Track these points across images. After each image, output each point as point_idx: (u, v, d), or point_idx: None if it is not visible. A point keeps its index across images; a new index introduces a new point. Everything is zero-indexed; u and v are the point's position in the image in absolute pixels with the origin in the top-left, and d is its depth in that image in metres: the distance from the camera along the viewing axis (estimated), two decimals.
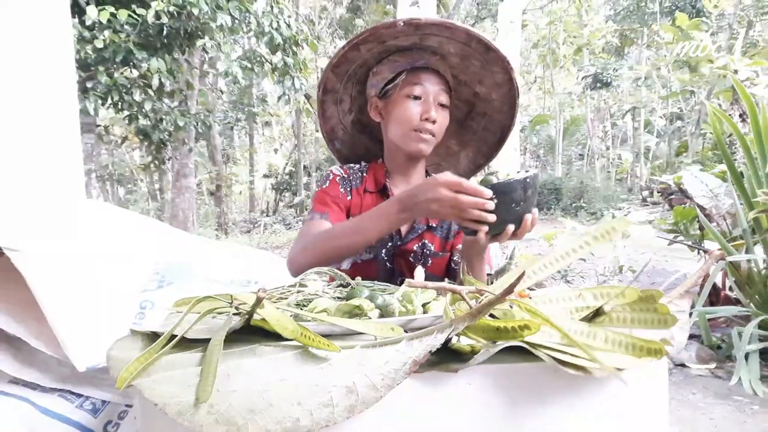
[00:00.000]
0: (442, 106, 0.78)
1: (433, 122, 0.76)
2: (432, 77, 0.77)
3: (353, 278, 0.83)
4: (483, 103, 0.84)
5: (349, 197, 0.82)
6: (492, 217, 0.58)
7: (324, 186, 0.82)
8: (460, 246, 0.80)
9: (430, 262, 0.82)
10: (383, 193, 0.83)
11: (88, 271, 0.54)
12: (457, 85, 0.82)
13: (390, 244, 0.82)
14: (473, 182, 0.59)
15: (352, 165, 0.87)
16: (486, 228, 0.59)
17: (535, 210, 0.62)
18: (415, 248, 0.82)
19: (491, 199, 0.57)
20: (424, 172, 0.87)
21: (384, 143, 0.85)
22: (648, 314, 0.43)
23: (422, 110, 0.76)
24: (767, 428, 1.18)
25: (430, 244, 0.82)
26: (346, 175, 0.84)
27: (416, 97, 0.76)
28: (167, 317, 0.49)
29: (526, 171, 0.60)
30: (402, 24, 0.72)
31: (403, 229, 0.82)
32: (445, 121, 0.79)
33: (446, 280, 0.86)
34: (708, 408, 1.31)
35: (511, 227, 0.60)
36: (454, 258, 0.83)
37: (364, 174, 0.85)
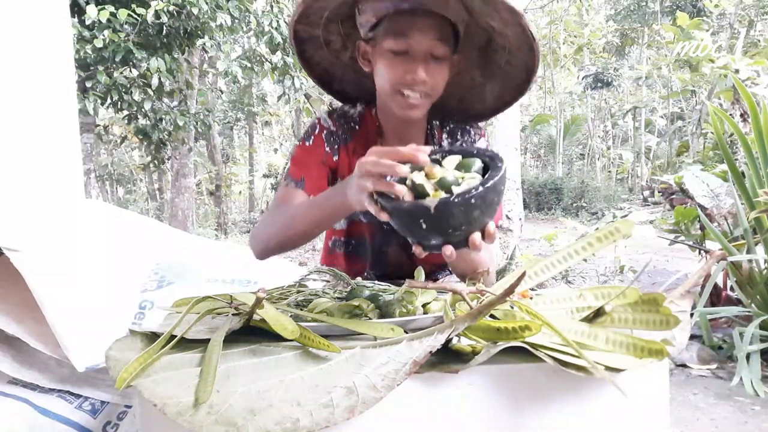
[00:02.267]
0: (437, 58, 0.63)
1: (424, 82, 0.62)
2: (422, 21, 0.62)
3: (348, 236, 0.74)
4: (500, 37, 0.68)
5: (335, 156, 0.71)
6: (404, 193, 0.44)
7: (307, 142, 0.71)
8: None
9: None
10: None
11: (88, 271, 0.54)
12: (471, 13, 0.66)
13: None
14: (400, 187, 0.45)
15: (346, 110, 0.74)
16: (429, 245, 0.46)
17: (491, 226, 0.47)
18: None
19: (421, 219, 0.43)
20: (423, 126, 0.73)
21: (376, 95, 0.71)
22: (650, 315, 0.43)
23: (406, 70, 0.62)
24: None
25: None
26: (335, 128, 0.72)
27: (401, 52, 0.62)
28: (166, 317, 0.49)
29: (493, 164, 0.46)
30: None
31: None
32: (441, 75, 0.64)
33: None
34: (709, 408, 1.31)
35: (476, 235, 0.46)
36: None
37: (357, 127, 0.73)
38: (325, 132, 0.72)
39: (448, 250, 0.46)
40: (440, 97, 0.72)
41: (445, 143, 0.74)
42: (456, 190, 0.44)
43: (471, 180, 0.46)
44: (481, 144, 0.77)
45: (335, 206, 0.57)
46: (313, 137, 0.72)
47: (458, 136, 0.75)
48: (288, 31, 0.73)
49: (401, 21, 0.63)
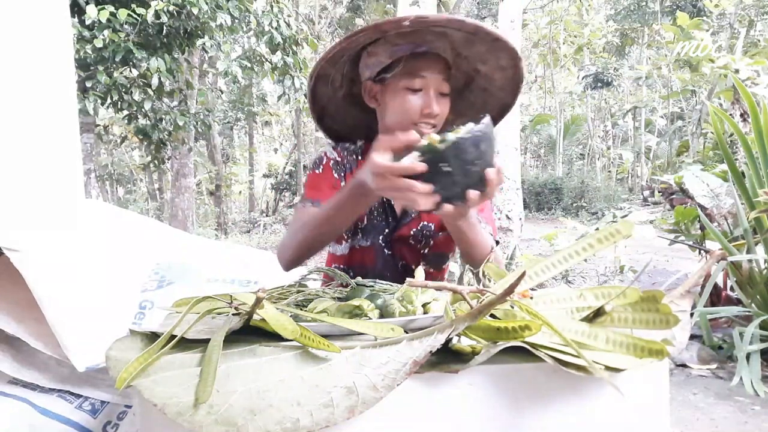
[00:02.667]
0: (443, 94, 0.74)
1: (436, 116, 0.73)
2: (432, 64, 0.72)
3: (350, 263, 0.81)
4: (484, 79, 0.79)
5: (343, 183, 0.79)
6: (428, 188, 0.50)
7: (317, 171, 0.79)
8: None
9: (432, 242, 0.80)
10: None
11: (88, 271, 0.54)
12: (456, 58, 0.77)
13: (386, 230, 0.80)
14: (407, 159, 0.51)
15: (346, 146, 0.83)
16: (436, 198, 0.51)
17: (497, 162, 0.54)
18: (413, 232, 0.79)
19: (441, 166, 0.49)
20: None
21: (379, 127, 0.80)
22: (650, 314, 0.42)
23: (423, 105, 0.72)
24: None
25: (429, 224, 0.80)
26: (339, 159, 0.80)
27: (417, 90, 0.72)
28: (167, 317, 0.49)
29: (475, 122, 0.52)
30: (408, 24, 0.68)
31: (398, 211, 0.80)
32: (446, 109, 0.75)
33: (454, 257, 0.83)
34: (709, 408, 1.31)
35: (473, 192, 0.52)
36: None
37: (359, 157, 0.81)
38: (332, 162, 0.79)
39: (473, 194, 0.52)
40: None
41: None
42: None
43: (459, 131, 0.52)
44: None
45: (357, 198, 0.61)
46: (321, 167, 0.79)
47: None
48: (312, 68, 0.79)
49: (418, 62, 0.72)
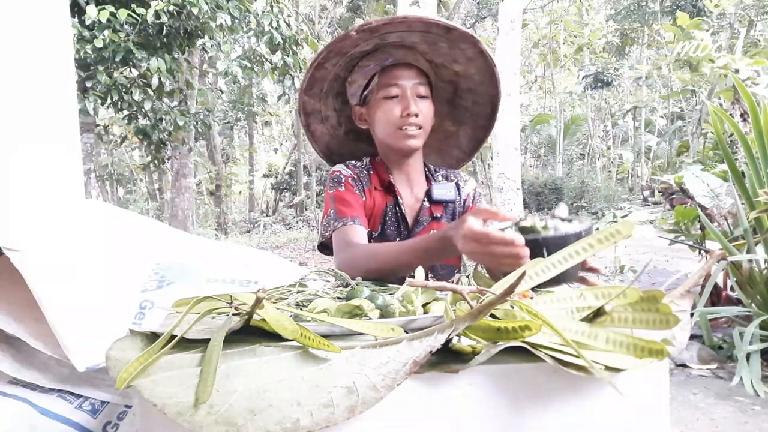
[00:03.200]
0: (422, 97, 0.78)
1: (416, 116, 0.76)
2: (405, 72, 0.77)
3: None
4: (465, 80, 0.82)
5: (363, 198, 0.82)
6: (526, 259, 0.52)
7: (340, 188, 0.81)
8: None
9: None
10: (389, 189, 0.83)
11: (88, 271, 0.54)
12: (435, 68, 0.82)
13: (398, 239, 0.82)
14: (508, 232, 0.53)
15: (354, 163, 0.87)
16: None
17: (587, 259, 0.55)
18: None
19: (538, 250, 0.51)
20: (421, 165, 0.86)
21: (376, 145, 0.85)
22: (650, 314, 0.42)
23: (402, 107, 0.76)
24: None
25: None
26: (355, 176, 0.83)
27: (394, 97, 0.77)
28: (167, 317, 0.49)
29: (576, 220, 0.56)
30: (355, 33, 0.73)
31: (410, 221, 0.83)
32: (429, 110, 0.78)
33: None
34: (709, 408, 1.31)
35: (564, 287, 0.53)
36: None
37: (370, 172, 0.85)
38: (350, 179, 0.82)
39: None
40: (424, 150, 0.87)
41: (441, 179, 0.87)
42: (564, 229, 0.55)
43: (562, 224, 0.56)
44: (470, 185, 0.88)
45: (440, 252, 0.64)
46: (342, 184, 0.81)
47: (451, 177, 0.87)
48: (297, 103, 0.85)
49: (389, 73, 0.77)
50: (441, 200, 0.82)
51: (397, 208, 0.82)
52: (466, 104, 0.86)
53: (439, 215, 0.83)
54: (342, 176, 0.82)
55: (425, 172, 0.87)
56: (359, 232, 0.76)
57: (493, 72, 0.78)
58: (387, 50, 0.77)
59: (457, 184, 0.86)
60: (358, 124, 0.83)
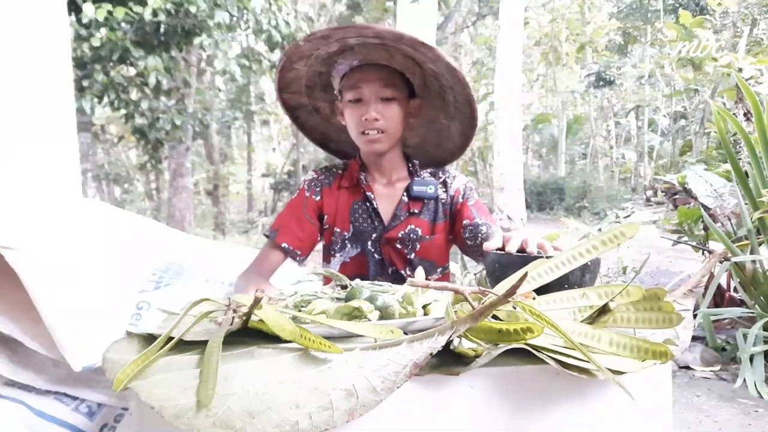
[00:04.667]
0: (387, 99, 0.76)
1: (376, 120, 0.76)
2: (370, 74, 0.76)
3: (345, 275, 0.83)
4: (443, 79, 0.81)
5: (318, 197, 0.83)
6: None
7: (293, 197, 0.84)
8: (474, 221, 0.79)
9: (418, 246, 0.82)
10: (357, 187, 0.84)
11: (85, 271, 0.53)
12: (419, 66, 0.79)
13: (375, 234, 0.82)
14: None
15: (329, 165, 0.89)
16: None
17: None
18: (400, 235, 0.82)
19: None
20: (400, 161, 0.85)
21: None
22: (652, 313, 0.42)
23: (361, 112, 0.76)
24: None
25: (417, 229, 0.82)
26: (316, 176, 0.85)
27: (357, 100, 0.77)
28: (164, 319, 0.49)
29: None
30: (302, 42, 0.73)
31: (386, 217, 0.83)
32: (393, 113, 0.77)
33: (443, 266, 0.86)
34: (712, 410, 1.30)
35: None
36: (466, 236, 0.81)
37: (340, 171, 0.87)
38: (306, 183, 0.85)
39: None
40: (421, 142, 0.88)
41: (426, 176, 0.86)
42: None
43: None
44: (459, 182, 0.87)
45: None
46: (298, 191, 0.85)
47: (439, 174, 0.87)
48: (278, 101, 0.87)
49: (354, 75, 0.77)
50: (420, 196, 0.82)
51: (368, 204, 0.82)
52: (452, 100, 0.84)
53: (417, 211, 0.82)
54: (303, 182, 0.85)
55: (408, 167, 0.86)
56: (268, 254, 0.79)
57: (459, 78, 0.77)
58: (357, 50, 0.75)
59: (445, 182, 0.85)
60: (339, 119, 0.83)
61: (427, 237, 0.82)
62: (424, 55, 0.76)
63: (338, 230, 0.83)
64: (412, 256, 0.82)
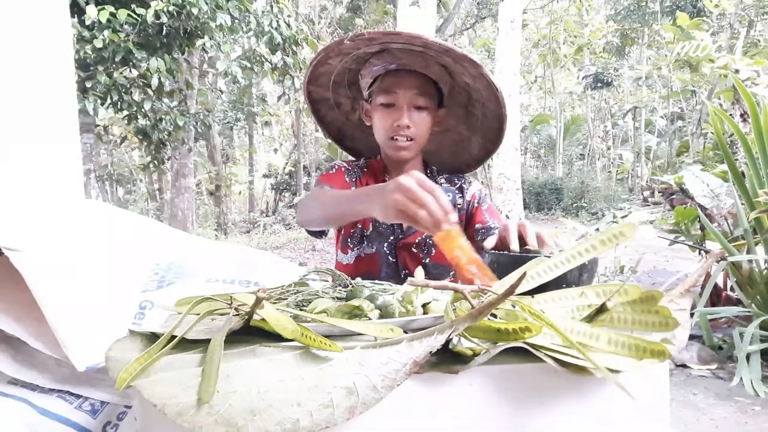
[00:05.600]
0: (420, 107, 0.77)
1: (408, 127, 0.76)
2: (406, 80, 0.76)
3: (356, 271, 0.84)
4: (474, 92, 0.82)
5: (353, 186, 0.84)
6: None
7: (331, 171, 0.84)
8: (487, 224, 0.80)
9: (433, 251, 0.83)
10: None
11: (88, 271, 0.54)
12: (451, 73, 0.80)
13: (392, 237, 0.83)
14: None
15: (353, 160, 0.89)
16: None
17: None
18: (417, 240, 0.82)
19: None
20: (420, 167, 0.87)
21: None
22: (649, 316, 0.42)
23: (394, 118, 0.76)
24: None
25: None
26: (349, 168, 0.86)
27: (390, 105, 0.77)
28: (167, 318, 0.49)
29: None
30: (349, 42, 0.73)
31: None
32: (424, 122, 0.78)
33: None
34: (709, 409, 1.31)
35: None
36: (478, 238, 0.82)
37: (364, 169, 0.87)
38: (343, 168, 0.86)
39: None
40: (436, 149, 0.89)
41: (443, 181, 0.88)
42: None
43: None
44: (474, 188, 0.88)
45: (359, 211, 0.63)
46: (334, 169, 0.85)
47: (455, 180, 0.89)
48: (303, 92, 0.88)
49: (389, 79, 0.77)
50: None
51: None
52: (478, 114, 0.85)
53: None
54: (336, 166, 0.86)
55: (427, 173, 0.88)
56: (326, 190, 0.76)
57: (496, 96, 0.77)
58: (396, 53, 0.75)
59: (461, 187, 0.87)
60: (363, 119, 0.84)
61: None
62: (465, 70, 0.76)
63: (359, 226, 0.83)
64: (427, 260, 0.83)
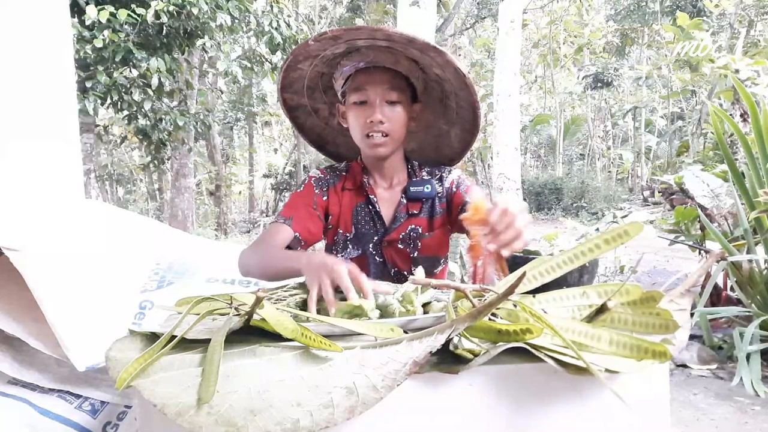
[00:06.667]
0: (393, 102, 0.76)
1: (381, 123, 0.75)
2: (375, 76, 0.76)
3: None
4: (447, 83, 0.81)
5: (325, 197, 0.83)
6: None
7: (299, 189, 0.83)
8: (464, 200, 0.79)
9: (420, 244, 0.83)
10: (361, 189, 0.84)
11: (88, 271, 0.54)
12: (421, 70, 0.80)
13: (375, 237, 0.82)
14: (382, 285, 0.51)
15: (333, 165, 0.88)
16: None
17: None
18: (401, 235, 0.82)
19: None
20: (401, 163, 0.85)
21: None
22: (650, 318, 0.42)
23: (366, 115, 0.76)
24: None
25: (417, 227, 0.83)
26: (322, 175, 0.85)
27: (362, 102, 0.76)
28: (167, 318, 0.49)
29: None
30: (313, 42, 0.73)
31: (387, 219, 0.83)
32: (398, 117, 0.77)
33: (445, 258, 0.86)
34: (709, 409, 1.30)
35: None
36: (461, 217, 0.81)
37: (344, 173, 0.86)
38: (313, 179, 0.84)
39: None
40: (419, 147, 0.89)
41: (425, 175, 0.87)
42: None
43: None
44: (454, 174, 0.88)
45: (294, 270, 0.63)
46: (303, 185, 0.84)
47: (436, 172, 0.87)
48: (278, 100, 0.86)
49: (360, 77, 0.76)
50: (417, 197, 0.82)
51: (370, 207, 0.83)
52: (454, 106, 0.85)
53: (416, 212, 0.83)
54: (308, 178, 0.85)
55: (408, 168, 0.86)
56: (279, 231, 0.76)
57: (466, 83, 0.77)
58: (364, 51, 0.75)
59: (441, 177, 0.86)
60: (341, 122, 0.83)
61: (427, 234, 0.83)
62: (433, 60, 0.76)
63: (341, 231, 0.83)
64: (415, 254, 0.83)
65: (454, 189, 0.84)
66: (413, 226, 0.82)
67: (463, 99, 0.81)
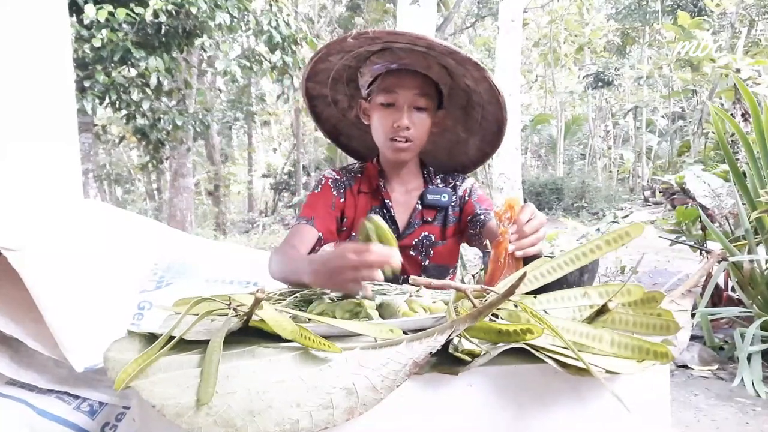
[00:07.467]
0: (420, 108, 0.76)
1: (407, 129, 0.75)
2: (407, 80, 0.75)
3: None
4: (475, 94, 0.81)
5: (342, 199, 0.83)
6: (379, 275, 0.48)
7: (316, 191, 0.82)
8: (475, 212, 0.79)
9: (432, 252, 0.83)
10: (377, 193, 0.84)
11: (86, 271, 0.53)
12: (452, 74, 0.80)
13: None
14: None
15: (347, 166, 0.88)
16: None
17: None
18: (414, 242, 0.82)
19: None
20: (417, 168, 0.86)
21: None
22: (651, 318, 0.42)
23: (393, 119, 0.75)
24: None
25: (430, 235, 0.82)
26: (338, 176, 0.84)
27: (390, 104, 0.76)
28: (166, 319, 0.49)
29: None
30: (352, 39, 0.72)
31: (401, 225, 0.83)
32: (423, 123, 0.77)
33: (454, 268, 0.87)
34: (710, 409, 1.30)
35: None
36: (470, 227, 0.81)
37: (359, 175, 0.86)
38: (330, 180, 0.84)
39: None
40: (432, 149, 0.88)
41: (440, 182, 0.87)
42: None
43: None
44: (467, 183, 0.88)
45: (301, 278, 0.61)
46: (320, 186, 0.83)
47: (450, 179, 0.87)
48: (300, 89, 0.86)
49: (390, 79, 0.76)
50: (434, 205, 0.82)
51: (385, 212, 0.83)
52: (477, 117, 0.85)
53: (430, 219, 0.83)
54: (323, 179, 0.84)
55: (423, 174, 0.87)
56: (303, 232, 0.75)
57: (498, 99, 0.77)
58: (398, 53, 0.74)
59: (455, 185, 0.86)
60: (361, 118, 0.83)
61: (440, 242, 0.83)
62: (468, 73, 0.75)
63: (354, 234, 0.83)
64: (426, 262, 0.83)
65: (467, 198, 0.84)
66: (426, 233, 0.82)
67: (490, 113, 0.81)
